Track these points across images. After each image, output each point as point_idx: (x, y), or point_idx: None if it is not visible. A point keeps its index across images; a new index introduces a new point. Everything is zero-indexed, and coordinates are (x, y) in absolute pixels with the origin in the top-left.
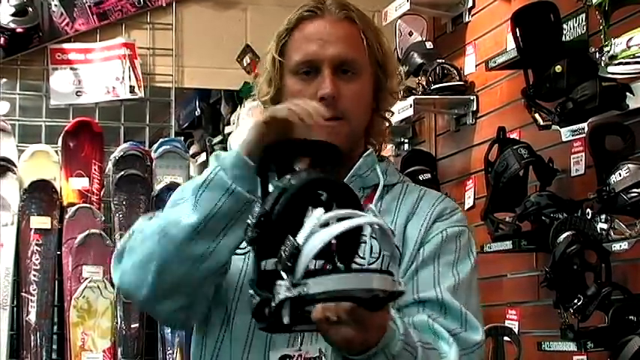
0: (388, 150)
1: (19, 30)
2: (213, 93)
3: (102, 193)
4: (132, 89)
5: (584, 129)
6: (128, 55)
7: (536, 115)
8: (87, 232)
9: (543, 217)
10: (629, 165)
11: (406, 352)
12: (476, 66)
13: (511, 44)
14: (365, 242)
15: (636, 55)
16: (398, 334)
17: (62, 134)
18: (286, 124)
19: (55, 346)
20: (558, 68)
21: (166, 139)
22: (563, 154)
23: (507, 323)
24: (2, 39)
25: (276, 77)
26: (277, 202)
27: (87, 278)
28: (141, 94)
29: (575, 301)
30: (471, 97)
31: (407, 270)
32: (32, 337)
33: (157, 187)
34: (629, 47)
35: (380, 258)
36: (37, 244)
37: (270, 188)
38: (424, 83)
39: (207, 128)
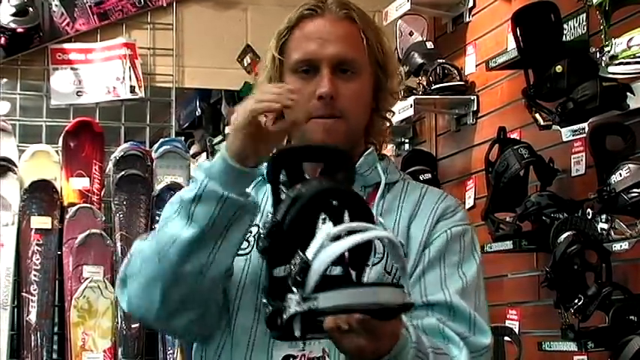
0: (389, 150)
1: (19, 30)
2: (213, 93)
3: (102, 193)
4: (132, 89)
5: (584, 129)
6: (129, 55)
7: (537, 115)
8: (87, 232)
9: (544, 217)
10: (630, 165)
11: (418, 359)
12: (476, 66)
13: (512, 44)
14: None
15: (637, 55)
16: (410, 342)
17: (63, 134)
18: (271, 115)
19: (55, 346)
20: (559, 68)
21: (167, 139)
22: (564, 154)
23: (508, 323)
24: (3, 39)
25: (276, 75)
26: (289, 212)
27: (87, 278)
28: (141, 94)
29: (576, 301)
30: (472, 97)
31: (413, 271)
32: (33, 337)
33: (158, 187)
34: (629, 47)
35: (384, 257)
36: (37, 244)
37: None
38: (425, 83)
39: (207, 128)
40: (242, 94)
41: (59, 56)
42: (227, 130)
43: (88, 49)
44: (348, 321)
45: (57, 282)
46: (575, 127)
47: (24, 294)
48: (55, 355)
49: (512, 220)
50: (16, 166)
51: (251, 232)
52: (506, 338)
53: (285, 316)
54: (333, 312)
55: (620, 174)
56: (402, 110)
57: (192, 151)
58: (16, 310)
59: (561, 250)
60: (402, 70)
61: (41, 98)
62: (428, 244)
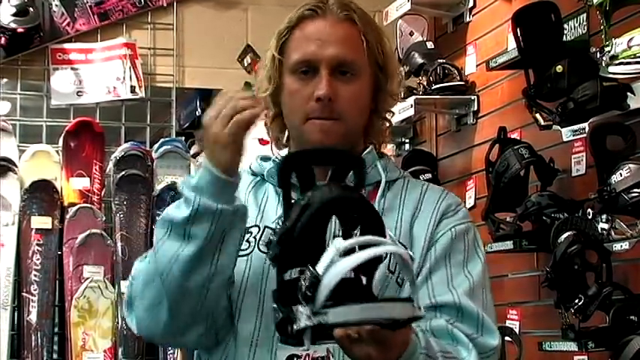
0: (389, 150)
1: (19, 30)
2: (214, 93)
3: (103, 193)
4: (133, 89)
5: (585, 129)
6: (129, 55)
7: (537, 115)
8: (88, 232)
9: (544, 217)
10: (630, 165)
11: None
12: (477, 66)
13: (512, 44)
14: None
15: (637, 55)
16: (419, 348)
17: (63, 134)
18: (248, 123)
19: (55, 347)
20: (559, 68)
21: (167, 139)
22: (564, 154)
23: (508, 323)
24: (3, 39)
25: (275, 75)
26: (299, 219)
27: (88, 278)
28: (142, 94)
29: (576, 301)
30: (472, 97)
31: (418, 272)
32: (33, 337)
33: (158, 187)
34: (629, 47)
35: (387, 256)
36: (37, 244)
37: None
38: (425, 83)
39: None
40: None
41: (59, 56)
42: (203, 143)
43: (89, 49)
44: (358, 331)
45: (57, 282)
46: (575, 127)
47: (24, 294)
48: (55, 355)
49: (513, 220)
50: (16, 166)
51: (251, 233)
52: (507, 338)
53: (295, 327)
54: (343, 326)
55: (621, 174)
56: (402, 110)
57: (192, 151)
58: (16, 310)
59: (562, 250)
60: (402, 70)
61: (41, 98)
62: (432, 243)
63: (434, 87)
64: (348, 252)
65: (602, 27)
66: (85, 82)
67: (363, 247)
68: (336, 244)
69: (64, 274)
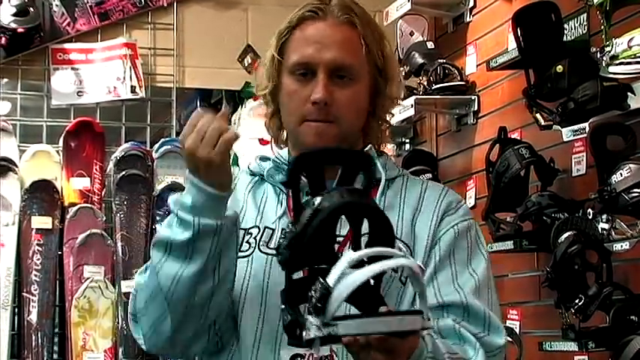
0: (389, 150)
1: (20, 30)
2: (214, 93)
3: (103, 193)
4: (133, 89)
5: (585, 129)
6: (129, 55)
7: (538, 115)
8: (88, 232)
9: (544, 217)
10: (631, 165)
11: None
12: (477, 66)
13: (512, 44)
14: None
15: (637, 55)
16: (426, 352)
17: (63, 134)
18: (233, 141)
19: (56, 347)
20: (559, 68)
21: (167, 139)
22: (565, 154)
23: (508, 323)
24: (3, 39)
25: (274, 74)
26: (310, 225)
27: (88, 278)
28: (142, 94)
29: (577, 301)
30: (472, 97)
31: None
32: (33, 337)
33: (158, 187)
34: (630, 47)
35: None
36: (38, 244)
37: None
38: (425, 83)
39: None
40: (242, 94)
41: (60, 56)
42: (190, 165)
43: (89, 49)
44: (366, 338)
45: (57, 282)
46: (575, 127)
47: (25, 294)
48: (55, 355)
49: (513, 220)
50: (16, 166)
51: (251, 234)
52: (507, 338)
53: (304, 336)
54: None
55: (621, 174)
56: (402, 110)
57: None
58: (16, 310)
59: (562, 250)
60: (402, 69)
61: (42, 98)
62: (435, 242)
63: (434, 87)
64: (360, 265)
65: (602, 27)
66: (86, 82)
67: (374, 257)
68: (348, 256)
69: (64, 274)
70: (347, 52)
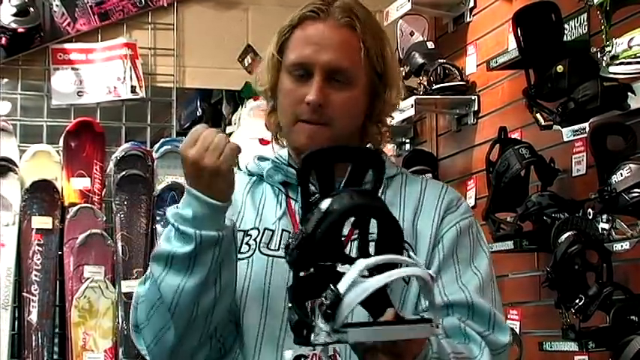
0: (389, 150)
1: (20, 30)
2: (214, 93)
3: (103, 193)
4: (133, 89)
5: (585, 129)
6: (129, 55)
7: (538, 115)
8: (88, 232)
9: (545, 217)
10: (631, 165)
11: None
12: (477, 66)
13: (512, 44)
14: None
15: (637, 55)
16: (431, 352)
17: (63, 134)
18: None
19: (56, 347)
20: (560, 68)
21: (168, 139)
22: (565, 154)
23: (509, 323)
24: (4, 39)
25: (274, 70)
26: (319, 226)
27: (88, 278)
28: (142, 94)
29: (577, 301)
30: (473, 97)
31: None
32: (33, 337)
33: (159, 187)
34: (630, 47)
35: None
36: (38, 244)
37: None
38: (425, 83)
39: None
40: (243, 94)
41: (60, 56)
42: (193, 176)
43: (89, 49)
44: (374, 342)
45: (58, 282)
46: (576, 127)
47: (25, 294)
48: (55, 356)
49: (513, 220)
50: (16, 166)
51: (250, 236)
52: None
53: (312, 339)
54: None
55: (621, 174)
56: (402, 110)
57: None
58: (16, 310)
59: (562, 250)
60: (403, 69)
61: (42, 98)
62: (438, 240)
63: (434, 87)
64: (371, 273)
65: (602, 27)
66: (86, 82)
67: (385, 265)
68: (360, 264)
69: (64, 274)
70: (344, 55)
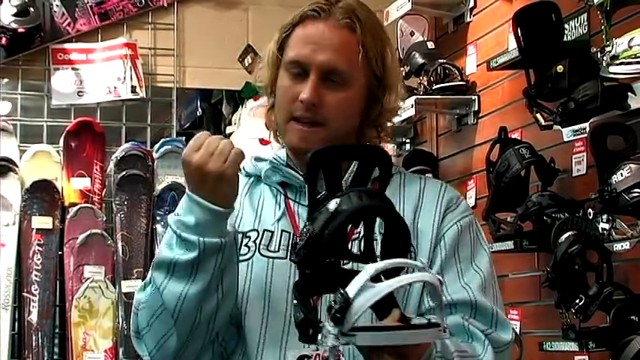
0: (390, 150)
1: (20, 30)
2: (214, 93)
3: (103, 193)
4: (133, 89)
5: (585, 129)
6: (130, 55)
7: (538, 115)
8: (88, 232)
9: (545, 217)
10: (631, 165)
11: None
12: (477, 66)
13: (512, 44)
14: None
15: (638, 55)
16: (435, 352)
17: (64, 134)
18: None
19: (56, 348)
20: (560, 68)
21: (168, 139)
22: (565, 154)
23: None
24: (4, 39)
25: (273, 68)
26: (327, 226)
27: (88, 278)
28: (142, 94)
29: (577, 301)
30: (473, 97)
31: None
32: (34, 337)
33: (159, 187)
34: (630, 47)
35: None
36: (38, 244)
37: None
38: (426, 83)
39: (208, 128)
40: (243, 94)
41: (60, 56)
42: (197, 181)
43: (89, 49)
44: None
45: (58, 282)
46: (576, 127)
47: (25, 294)
48: (56, 356)
49: (513, 220)
50: (17, 166)
51: (250, 237)
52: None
53: (319, 341)
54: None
55: (621, 174)
56: (402, 110)
57: None
58: (17, 310)
59: (562, 250)
60: (403, 70)
61: (42, 98)
62: (439, 238)
63: (434, 87)
64: (379, 277)
65: (602, 27)
66: (86, 82)
67: (394, 269)
68: (369, 269)
69: (64, 274)
70: (342, 56)
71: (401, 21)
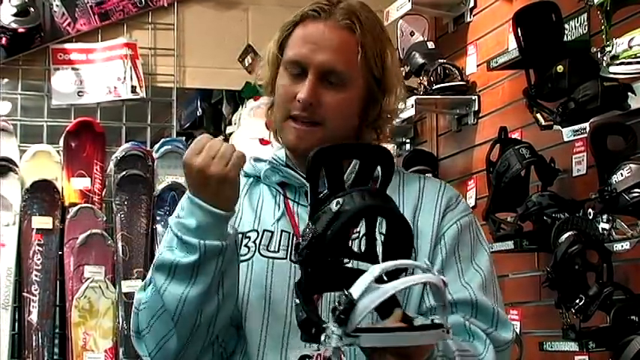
0: (390, 150)
1: (20, 30)
2: (214, 93)
3: (103, 193)
4: (133, 89)
5: (585, 129)
6: (130, 55)
7: (538, 115)
8: (88, 232)
9: (545, 217)
10: (631, 165)
11: None
12: (477, 66)
13: (513, 44)
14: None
15: (638, 55)
16: (436, 351)
17: (64, 134)
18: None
19: (56, 347)
20: (560, 68)
21: (168, 139)
22: (565, 154)
23: None
24: (4, 39)
25: (273, 67)
26: (330, 227)
27: (88, 278)
28: (142, 94)
29: (577, 301)
30: (473, 97)
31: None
32: (34, 337)
33: (159, 187)
34: (630, 47)
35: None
36: (38, 244)
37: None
38: (426, 83)
39: (208, 128)
40: (243, 94)
41: (60, 56)
42: (198, 184)
43: (89, 49)
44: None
45: (58, 282)
46: (576, 127)
47: (25, 294)
48: (56, 356)
49: (514, 220)
50: (17, 166)
51: (249, 238)
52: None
53: (322, 341)
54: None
55: (622, 174)
56: (403, 110)
57: None
58: (17, 310)
59: (562, 250)
60: (403, 70)
61: (42, 98)
62: (440, 238)
63: (435, 87)
64: (383, 278)
65: (602, 27)
66: (86, 82)
67: (396, 269)
68: (373, 270)
69: (64, 274)
70: (340, 57)
71: (401, 21)
